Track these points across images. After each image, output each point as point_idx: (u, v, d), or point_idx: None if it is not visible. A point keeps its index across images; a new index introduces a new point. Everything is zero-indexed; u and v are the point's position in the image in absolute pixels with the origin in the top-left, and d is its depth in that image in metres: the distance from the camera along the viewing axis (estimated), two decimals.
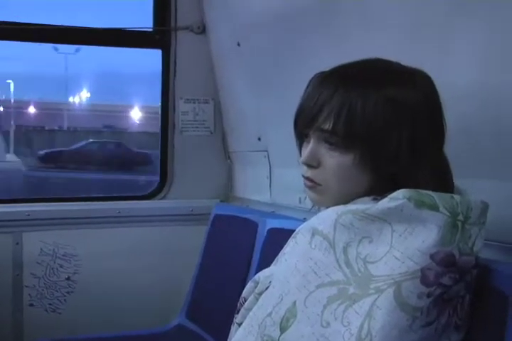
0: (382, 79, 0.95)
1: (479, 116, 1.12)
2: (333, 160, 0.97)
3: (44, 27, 2.11)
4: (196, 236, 2.14)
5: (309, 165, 1.00)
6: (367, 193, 0.97)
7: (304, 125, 1.00)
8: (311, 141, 1.00)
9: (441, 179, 0.96)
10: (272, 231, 1.73)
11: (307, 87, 1.02)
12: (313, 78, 1.02)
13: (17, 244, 2.06)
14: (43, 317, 2.10)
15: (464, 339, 0.89)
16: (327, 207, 1.05)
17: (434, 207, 0.87)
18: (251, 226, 1.84)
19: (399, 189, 0.90)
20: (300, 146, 1.04)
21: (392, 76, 0.97)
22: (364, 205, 0.92)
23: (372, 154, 0.94)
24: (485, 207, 0.92)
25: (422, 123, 0.94)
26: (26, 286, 2.08)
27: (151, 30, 2.23)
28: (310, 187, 1.01)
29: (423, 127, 0.94)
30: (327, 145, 0.97)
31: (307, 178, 1.01)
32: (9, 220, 2.06)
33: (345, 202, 0.98)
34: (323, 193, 1.00)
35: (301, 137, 1.04)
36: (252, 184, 2.17)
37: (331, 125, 0.95)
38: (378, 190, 0.95)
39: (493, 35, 1.07)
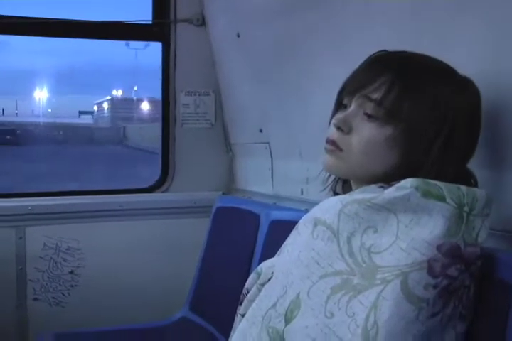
0: (440, 75, 0.96)
1: (488, 105, 1.11)
2: (367, 130, 0.96)
3: (42, 21, 2.09)
4: (199, 229, 2.14)
5: (339, 129, 0.99)
6: (381, 177, 0.97)
7: (351, 91, 0.99)
8: (352, 107, 0.99)
9: (461, 176, 0.96)
10: (274, 223, 1.73)
11: (365, 60, 1.02)
12: (372, 54, 1.02)
13: (20, 238, 2.06)
14: (47, 310, 2.11)
15: (468, 328, 0.89)
16: (337, 176, 1.06)
17: (440, 198, 0.87)
18: (253, 218, 1.84)
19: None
20: (333, 115, 1.03)
21: (450, 77, 0.97)
22: (370, 194, 0.92)
23: (406, 137, 0.94)
24: (489, 198, 0.92)
25: (462, 127, 0.95)
26: (30, 280, 2.09)
27: (150, 22, 2.22)
28: (330, 151, 1.00)
29: (461, 131, 0.95)
30: (365, 116, 0.97)
31: (331, 141, 0.99)
32: (12, 215, 2.06)
33: (358, 176, 0.99)
34: (341, 160, 0.99)
35: (339, 104, 1.03)
36: (254, 176, 2.17)
37: (381, 96, 0.94)
38: (393, 176, 0.95)
39: (494, 28, 1.06)
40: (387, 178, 0.96)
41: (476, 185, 0.98)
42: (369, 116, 0.96)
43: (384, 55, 1.01)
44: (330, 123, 1.02)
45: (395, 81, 0.94)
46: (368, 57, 1.02)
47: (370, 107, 0.96)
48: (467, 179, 0.98)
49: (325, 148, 1.01)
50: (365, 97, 0.96)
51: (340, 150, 0.98)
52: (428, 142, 0.93)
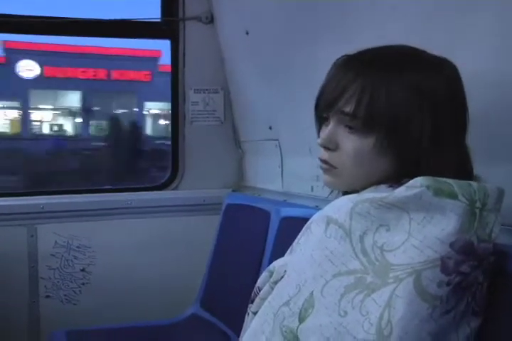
0: (407, 64, 0.94)
1: (495, 103, 1.11)
2: (352, 143, 0.96)
3: (51, 19, 2.10)
4: (209, 226, 2.14)
5: (326, 148, 0.99)
6: (383, 179, 0.96)
7: (324, 107, 0.99)
8: (331, 123, 0.99)
9: (462, 167, 0.96)
10: (285, 220, 1.73)
11: (330, 69, 1.01)
12: (337, 61, 1.01)
13: (32, 236, 2.08)
14: (59, 308, 2.12)
15: (481, 323, 0.89)
16: (340, 191, 1.04)
17: (452, 195, 0.86)
18: (264, 215, 1.84)
19: (417, 176, 0.89)
20: (319, 130, 1.03)
21: (418, 62, 0.95)
22: (381, 194, 0.91)
23: (391, 139, 0.93)
24: (501, 193, 0.91)
25: (445, 111, 0.93)
26: (42, 278, 2.10)
27: (159, 20, 2.23)
28: (325, 170, 1.01)
29: (446, 115, 0.93)
30: (346, 128, 0.96)
31: (323, 161, 1.00)
32: (24, 213, 2.07)
33: (360, 186, 0.98)
34: (338, 176, 0.99)
35: (321, 120, 1.03)
36: (264, 173, 2.17)
37: (353, 108, 0.94)
38: (396, 176, 0.95)
39: (509, 21, 1.05)
40: (390, 180, 0.96)
41: (471, 171, 0.97)
42: (350, 128, 0.96)
43: (347, 60, 0.99)
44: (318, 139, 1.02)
45: (364, 88, 0.93)
46: (332, 66, 1.01)
47: (347, 120, 0.96)
48: (467, 163, 0.97)
49: (320, 167, 1.02)
50: (340, 112, 0.96)
51: (334, 167, 0.99)
52: (416, 137, 0.92)
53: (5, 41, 15.34)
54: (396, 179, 0.94)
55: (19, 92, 15.74)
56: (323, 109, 1.00)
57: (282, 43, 1.80)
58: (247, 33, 1.96)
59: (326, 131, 0.99)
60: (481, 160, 0.98)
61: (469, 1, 1.12)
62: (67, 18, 2.14)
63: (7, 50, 15.62)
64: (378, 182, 0.97)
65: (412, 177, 0.90)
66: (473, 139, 0.99)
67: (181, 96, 2.26)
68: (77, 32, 2.20)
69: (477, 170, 0.99)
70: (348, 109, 0.94)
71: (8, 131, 16.28)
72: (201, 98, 2.27)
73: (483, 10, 1.09)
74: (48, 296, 2.11)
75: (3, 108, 16.65)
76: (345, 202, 0.94)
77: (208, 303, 2.03)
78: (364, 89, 0.93)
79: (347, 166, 0.97)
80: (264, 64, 1.95)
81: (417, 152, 0.93)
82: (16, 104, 16.50)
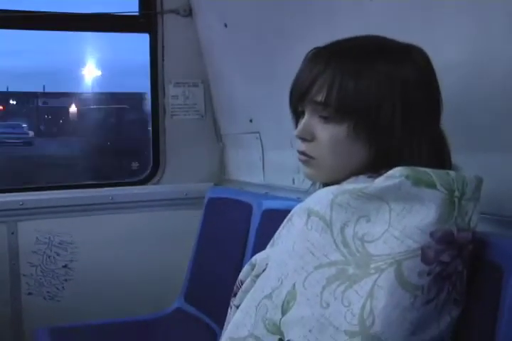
0: (376, 53, 0.96)
1: (470, 90, 1.12)
2: (327, 132, 0.97)
3: (25, 13, 2.06)
4: (191, 220, 2.14)
5: (303, 139, 1.00)
6: (362, 170, 0.97)
7: (297, 98, 1.00)
8: (306, 115, 1.00)
9: (438, 154, 0.96)
10: (267, 213, 1.73)
11: (302, 62, 1.02)
12: (307, 54, 1.02)
13: (12, 233, 2.06)
14: (42, 305, 2.10)
15: (460, 312, 0.90)
16: (321, 183, 1.05)
17: (431, 185, 0.87)
18: (245, 208, 1.84)
19: (395, 165, 0.90)
20: (296, 123, 1.04)
21: (386, 50, 0.97)
22: (360, 184, 0.92)
23: (364, 125, 0.94)
24: (479, 182, 0.92)
25: (416, 96, 0.94)
26: (24, 275, 2.08)
27: (137, 14, 2.21)
28: (304, 161, 1.01)
29: (417, 101, 0.94)
30: (321, 118, 0.97)
31: (301, 152, 1.01)
32: (3, 210, 2.05)
33: (339, 176, 0.99)
34: (317, 167, 1.00)
35: (297, 113, 1.04)
36: (245, 166, 2.16)
37: (324, 96, 0.95)
38: (374, 166, 0.95)
39: (486, 10, 1.06)
40: (369, 171, 0.96)
41: (449, 159, 0.98)
42: (324, 118, 0.97)
43: (317, 52, 1.00)
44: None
45: (334, 77, 0.94)
46: (303, 60, 1.02)
47: (320, 109, 0.97)
48: (443, 150, 0.98)
49: (299, 159, 1.02)
50: (312, 102, 0.97)
51: (312, 158, 1.00)
52: (386, 124, 0.93)
53: None
54: (375, 169, 0.95)
55: None
56: (297, 101, 1.01)
57: (262, 35, 1.80)
58: (226, 26, 1.95)
59: (301, 122, 1.00)
60: (458, 150, 0.99)
61: None
62: (42, 12, 2.10)
63: None
64: (357, 173, 0.97)
65: (389, 167, 0.90)
66: (450, 129, 1.00)
67: (161, 90, 2.24)
68: (54, 26, 2.16)
69: (454, 159, 0.99)
70: (320, 98, 0.96)
71: None
72: (181, 92, 2.26)
73: (460, 2, 1.10)
74: (30, 293, 2.10)
75: None
76: (326, 193, 0.94)
77: (192, 297, 2.03)
78: (334, 78, 0.94)
79: (324, 156, 0.98)
80: (244, 56, 1.95)
81: (389, 138, 0.94)
82: None
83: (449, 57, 1.11)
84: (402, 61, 0.95)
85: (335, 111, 0.95)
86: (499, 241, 0.95)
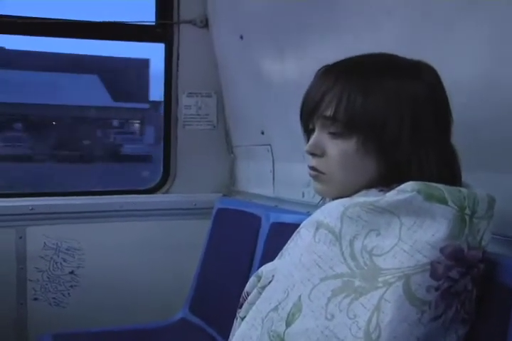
0: (384, 69, 0.96)
1: (481, 109, 1.11)
2: (336, 148, 0.97)
3: (45, 21, 2.10)
4: (199, 231, 2.14)
5: (313, 154, 1.00)
6: (372, 184, 0.97)
7: (307, 114, 1.01)
8: (316, 130, 1.00)
9: (447, 170, 0.96)
10: (275, 226, 1.72)
11: (312, 80, 1.03)
12: (317, 71, 1.03)
13: (20, 238, 2.07)
14: (47, 311, 2.11)
15: (468, 331, 0.89)
16: (332, 198, 1.05)
17: (443, 201, 0.87)
18: (254, 221, 1.84)
19: (405, 179, 0.90)
20: (308, 139, 1.05)
21: (394, 67, 0.97)
22: (371, 198, 0.92)
23: (373, 140, 0.94)
24: (491, 201, 0.92)
25: (425, 112, 0.94)
26: (30, 280, 2.09)
27: (153, 24, 2.23)
28: (314, 177, 1.01)
29: (426, 116, 0.94)
30: (330, 134, 0.98)
31: (312, 168, 1.01)
32: (12, 214, 2.06)
33: (350, 192, 0.98)
34: (328, 182, 1.00)
35: (308, 129, 1.04)
36: (255, 178, 2.16)
37: (333, 111, 0.96)
38: (384, 180, 0.95)
39: (497, 28, 1.06)
40: (380, 185, 0.96)
41: (459, 175, 0.98)
42: (333, 134, 0.97)
43: (326, 69, 1.01)
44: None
45: (343, 93, 0.95)
46: (314, 76, 1.03)
47: (329, 124, 0.97)
48: (453, 165, 0.97)
49: (309, 174, 1.03)
50: (322, 117, 0.98)
51: (323, 173, 1.00)
52: (394, 139, 0.93)
53: None
54: (385, 183, 0.95)
55: None
56: (307, 117, 1.01)
57: (276, 48, 1.80)
58: (242, 38, 1.96)
59: (312, 138, 1.01)
60: (469, 169, 0.99)
61: (457, 10, 1.13)
62: (61, 19, 2.13)
63: None
64: (368, 187, 0.97)
65: (400, 181, 0.90)
66: (460, 147, 0.99)
67: (174, 100, 2.25)
68: (71, 33, 2.19)
69: (465, 177, 0.99)
70: (329, 113, 0.96)
71: None
72: (194, 102, 2.27)
73: (471, 18, 1.10)
74: (36, 299, 2.10)
75: None
76: (336, 205, 0.94)
77: (197, 308, 2.02)
78: (342, 93, 0.95)
79: (334, 171, 0.98)
80: (258, 68, 1.96)
81: (398, 153, 0.94)
82: None
83: (460, 74, 1.11)
84: (411, 77, 0.96)
85: (343, 126, 0.95)
86: (510, 263, 0.94)
